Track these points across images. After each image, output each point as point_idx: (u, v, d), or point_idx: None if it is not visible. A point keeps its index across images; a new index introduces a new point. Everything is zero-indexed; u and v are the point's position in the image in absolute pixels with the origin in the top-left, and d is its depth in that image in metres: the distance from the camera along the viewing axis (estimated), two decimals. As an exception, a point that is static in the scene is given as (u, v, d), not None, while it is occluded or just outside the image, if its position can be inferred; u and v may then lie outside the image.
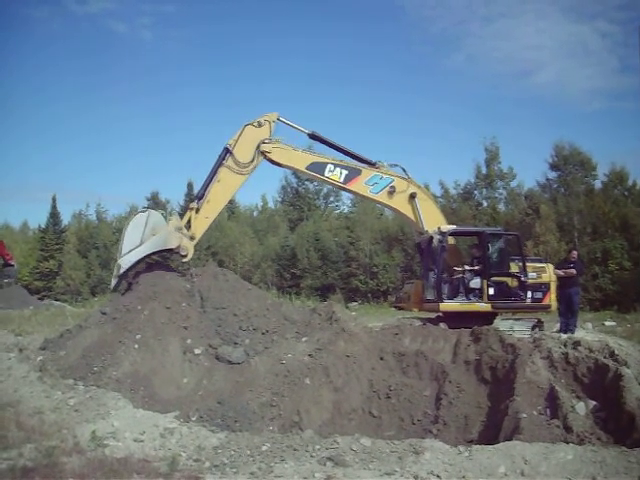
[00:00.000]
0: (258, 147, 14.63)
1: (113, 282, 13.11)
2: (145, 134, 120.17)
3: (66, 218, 65.52)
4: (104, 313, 12.76)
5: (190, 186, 56.71)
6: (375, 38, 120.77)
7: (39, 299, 43.70)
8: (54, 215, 59.80)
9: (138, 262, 13.16)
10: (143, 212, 13.56)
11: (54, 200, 60.15)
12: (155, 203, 61.63)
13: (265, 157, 14.79)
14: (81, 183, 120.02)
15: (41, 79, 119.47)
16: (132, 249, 13.04)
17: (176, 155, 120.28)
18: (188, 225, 14.13)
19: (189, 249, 13.84)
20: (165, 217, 13.92)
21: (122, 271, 12.96)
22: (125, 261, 12.96)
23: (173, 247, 13.65)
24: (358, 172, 15.54)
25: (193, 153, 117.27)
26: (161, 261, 14.62)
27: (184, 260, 13.88)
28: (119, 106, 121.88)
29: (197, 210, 14.25)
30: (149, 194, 62.69)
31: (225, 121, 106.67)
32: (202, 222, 14.38)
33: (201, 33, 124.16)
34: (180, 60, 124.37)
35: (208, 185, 14.44)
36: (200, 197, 14.46)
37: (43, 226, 60.18)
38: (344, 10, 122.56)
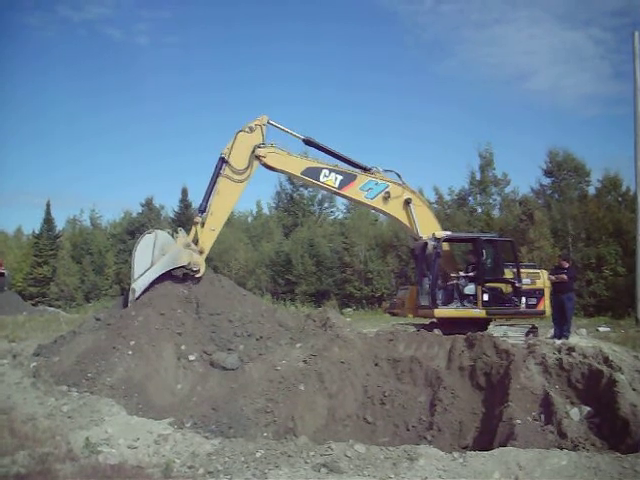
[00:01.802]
0: (253, 152, 14.61)
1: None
2: (140, 140, 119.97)
3: (60, 224, 65.46)
4: (98, 319, 12.76)
5: (184, 192, 56.85)
6: (368, 43, 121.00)
7: (33, 305, 43.75)
8: (48, 221, 59.65)
9: (152, 284, 13.09)
10: (149, 233, 13.39)
11: (48, 206, 60.09)
12: (149, 209, 61.72)
13: (260, 162, 14.80)
14: (75, 189, 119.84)
15: (37, 86, 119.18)
16: (144, 272, 12.92)
17: (171, 161, 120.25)
18: (195, 240, 14.11)
19: (200, 264, 13.77)
20: (172, 235, 13.90)
21: (137, 295, 12.78)
22: (139, 285, 12.80)
23: (184, 264, 13.57)
24: (353, 177, 15.57)
25: (188, 159, 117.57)
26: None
27: (197, 275, 13.73)
28: (114, 112, 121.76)
29: (202, 224, 14.24)
30: (143, 200, 62.75)
31: (220, 126, 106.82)
32: (209, 235, 14.34)
33: (197, 39, 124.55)
34: (176, 66, 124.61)
35: (209, 197, 14.42)
36: (203, 210, 14.43)
37: (37, 232, 60.04)
38: (338, 15, 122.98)
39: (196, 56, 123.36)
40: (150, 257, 13.03)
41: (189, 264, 13.57)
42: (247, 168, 14.59)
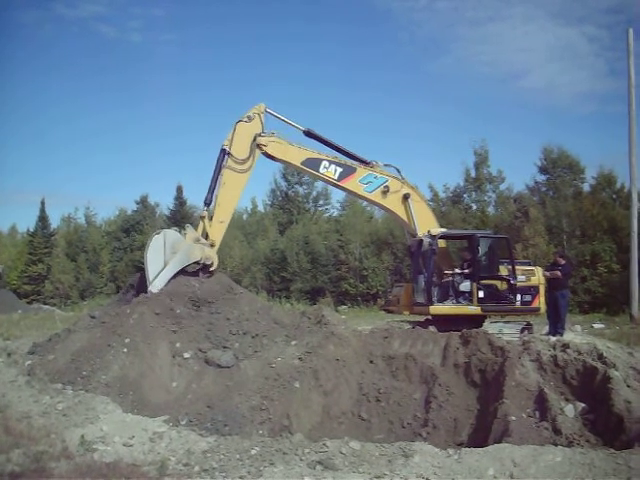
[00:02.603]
0: (254, 141, 14.68)
1: None
2: (135, 138, 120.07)
3: (55, 222, 65.36)
4: (93, 317, 12.74)
5: (179, 189, 56.74)
6: (363, 41, 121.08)
7: (28, 303, 43.74)
8: (43, 219, 59.60)
9: (167, 284, 13.06)
10: (158, 234, 13.32)
11: (43, 204, 60.12)
12: (144, 207, 61.65)
13: (261, 151, 14.84)
14: (70, 188, 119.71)
15: (34, 86, 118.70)
16: (158, 273, 12.89)
17: (166, 159, 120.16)
18: (204, 234, 14.15)
19: (213, 257, 13.89)
20: (180, 232, 13.89)
21: None
22: (155, 287, 12.76)
23: (197, 259, 13.61)
24: (353, 170, 15.62)
25: (182, 157, 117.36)
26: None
27: (211, 269, 13.85)
28: (110, 112, 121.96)
29: (210, 217, 14.31)
30: (138, 197, 62.71)
31: (216, 125, 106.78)
32: (218, 227, 14.42)
33: (191, 37, 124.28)
34: (171, 64, 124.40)
35: (214, 190, 14.46)
36: (208, 203, 14.50)
37: (32, 230, 59.93)
38: (333, 13, 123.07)
39: (191, 55, 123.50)
40: (162, 257, 13.00)
41: (202, 259, 13.62)
42: (249, 157, 14.65)
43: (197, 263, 13.70)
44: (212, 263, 13.82)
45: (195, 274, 13.64)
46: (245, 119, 14.74)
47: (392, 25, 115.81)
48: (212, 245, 14.04)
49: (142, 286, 13.09)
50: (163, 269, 12.96)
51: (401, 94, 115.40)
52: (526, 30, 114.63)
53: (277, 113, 15.33)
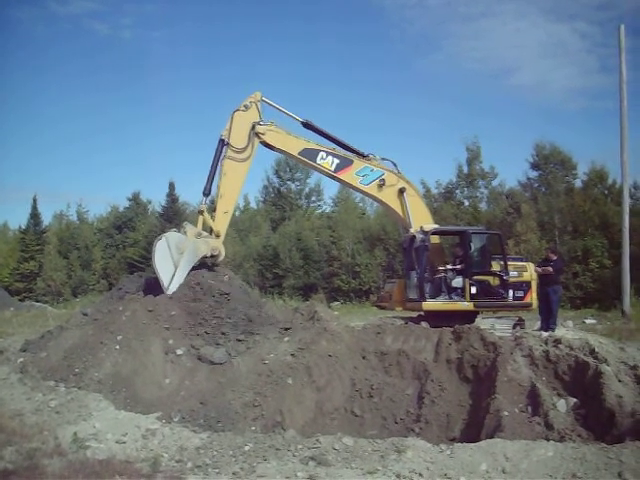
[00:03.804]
0: (252, 129, 14.69)
1: None
2: (127, 136, 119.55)
3: (47, 219, 65.12)
4: (85, 314, 12.72)
5: (172, 186, 56.62)
6: (356, 39, 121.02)
7: (20, 300, 43.57)
8: (34, 216, 59.29)
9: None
10: (160, 240, 13.24)
11: (34, 201, 59.78)
12: (136, 203, 61.54)
13: (260, 140, 14.85)
14: (63, 186, 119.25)
15: (23, 83, 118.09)
16: (172, 277, 12.93)
17: (158, 156, 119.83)
18: (205, 229, 14.23)
19: (219, 248, 14.07)
20: (179, 232, 13.86)
21: None
22: (172, 291, 12.85)
23: (205, 253, 13.69)
24: (349, 162, 15.64)
25: (175, 154, 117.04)
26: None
27: (219, 260, 14.06)
28: (103, 111, 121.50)
29: (213, 210, 14.43)
30: (130, 194, 62.60)
31: (208, 122, 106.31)
32: (223, 218, 14.56)
33: (183, 34, 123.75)
34: (163, 61, 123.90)
35: (212, 179, 14.53)
36: (207, 193, 14.61)
37: (23, 227, 59.70)
38: (326, 12, 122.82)
39: (185, 52, 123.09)
40: (171, 261, 13.01)
41: (208, 252, 13.75)
42: (247, 146, 14.66)
43: (204, 257, 13.72)
44: (219, 254, 13.96)
45: (198, 268, 13.64)
46: (242, 108, 14.75)
47: (384, 22, 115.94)
48: (217, 236, 14.20)
49: (155, 292, 13.05)
50: (175, 272, 12.99)
51: (393, 91, 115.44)
52: (518, 26, 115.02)
53: (274, 102, 15.30)
